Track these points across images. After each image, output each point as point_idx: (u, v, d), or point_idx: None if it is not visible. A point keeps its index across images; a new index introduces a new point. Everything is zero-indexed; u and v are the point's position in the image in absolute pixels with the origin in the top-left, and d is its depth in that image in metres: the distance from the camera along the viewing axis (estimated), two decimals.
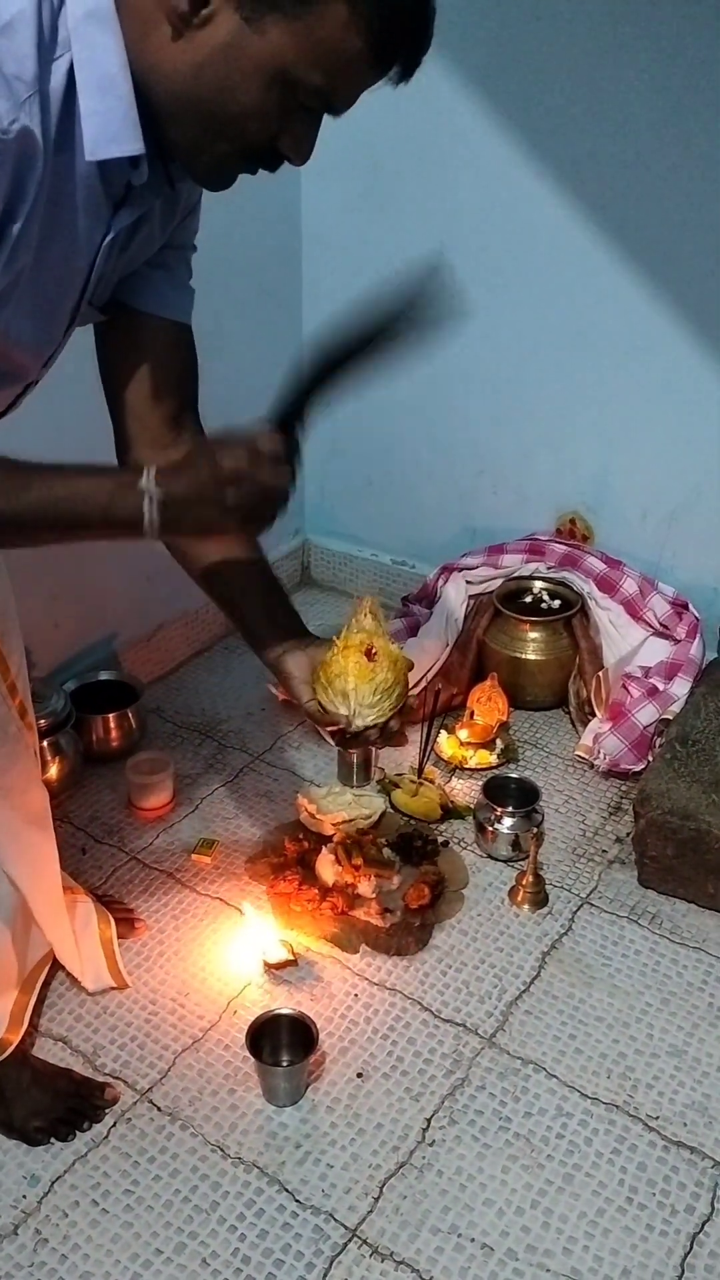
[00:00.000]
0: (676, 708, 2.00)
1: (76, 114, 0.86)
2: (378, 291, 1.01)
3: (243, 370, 2.46)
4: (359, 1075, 1.48)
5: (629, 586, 2.18)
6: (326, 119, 0.95)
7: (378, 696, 1.21)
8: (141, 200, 1.00)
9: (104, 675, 2.14)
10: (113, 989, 1.59)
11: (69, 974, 1.59)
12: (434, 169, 2.23)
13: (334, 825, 1.84)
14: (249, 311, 2.41)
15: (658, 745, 1.99)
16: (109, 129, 0.87)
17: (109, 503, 0.99)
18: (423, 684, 2.18)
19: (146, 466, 1.00)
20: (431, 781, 1.99)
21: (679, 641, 2.13)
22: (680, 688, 2.04)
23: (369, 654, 1.22)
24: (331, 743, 1.28)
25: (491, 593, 2.27)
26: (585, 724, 2.13)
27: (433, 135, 2.20)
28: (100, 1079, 1.47)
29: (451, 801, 1.97)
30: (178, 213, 1.13)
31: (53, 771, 1.90)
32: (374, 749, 1.99)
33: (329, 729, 1.24)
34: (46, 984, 1.56)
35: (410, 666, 1.27)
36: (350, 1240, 1.29)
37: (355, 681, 1.21)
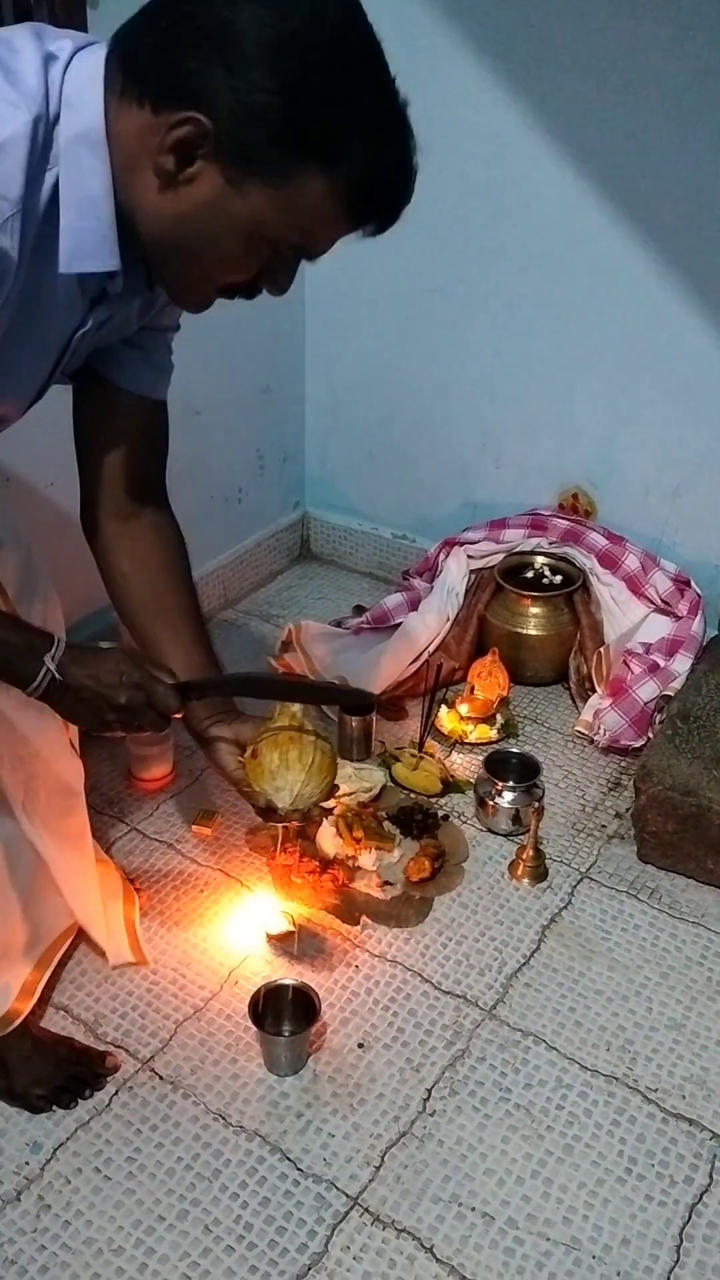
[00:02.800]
0: (677, 684, 2.01)
1: (58, 225, 0.90)
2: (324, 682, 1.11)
3: (244, 343, 2.45)
4: (360, 1045, 1.49)
5: (631, 562, 2.17)
6: None
7: (305, 780, 1.27)
8: (119, 301, 1.04)
9: (103, 645, 2.12)
10: (132, 964, 1.58)
11: (91, 945, 1.59)
12: (436, 141, 2.20)
13: (334, 798, 1.84)
14: None
15: (658, 721, 1.99)
16: (85, 246, 0.91)
17: (10, 657, 1.07)
18: (423, 658, 2.17)
19: (56, 642, 1.08)
20: (432, 755, 1.99)
21: (680, 618, 2.13)
22: (681, 664, 2.04)
23: (252, 754, 1.28)
24: (256, 813, 1.33)
25: (493, 567, 2.26)
26: (585, 700, 2.13)
27: (435, 106, 2.18)
28: (102, 1048, 1.47)
29: (452, 776, 1.97)
30: (156, 304, 1.16)
31: None
32: (371, 724, 2.01)
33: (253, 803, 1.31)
34: (64, 962, 1.56)
35: (334, 755, 1.32)
36: (352, 1209, 1.30)
37: (284, 765, 1.26)
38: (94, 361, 1.16)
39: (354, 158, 0.89)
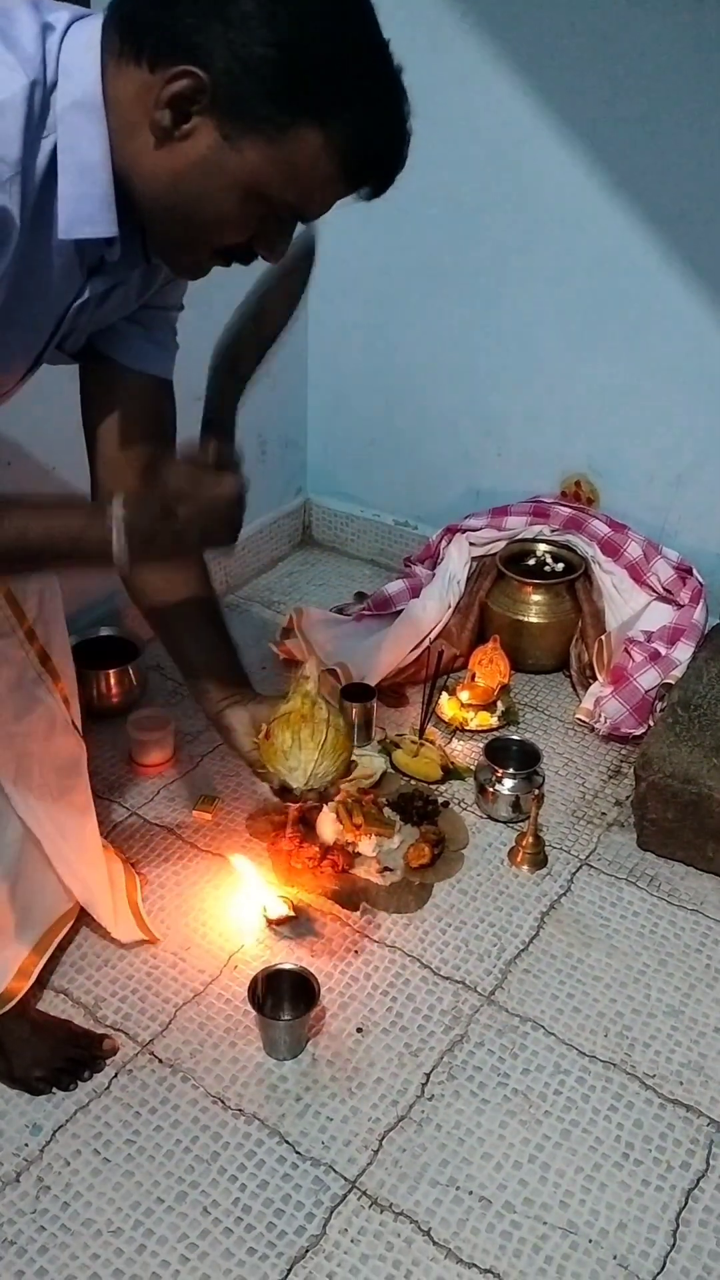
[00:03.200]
0: (678, 673, 2.01)
1: (56, 192, 0.90)
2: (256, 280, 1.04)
3: None
4: (359, 1030, 1.49)
5: (633, 550, 2.17)
6: None
7: (319, 759, 1.25)
8: (116, 272, 1.03)
9: (105, 631, 2.13)
10: (143, 942, 1.59)
11: (93, 927, 1.59)
12: (439, 126, 2.20)
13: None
14: (252, 271, 2.37)
15: (659, 710, 1.99)
16: (83, 211, 0.91)
17: (80, 535, 0.99)
18: (425, 645, 2.17)
19: (116, 495, 1.00)
20: (432, 742, 1.99)
21: (682, 606, 2.13)
22: (682, 653, 2.04)
23: (265, 735, 1.27)
24: (273, 794, 1.31)
25: (495, 555, 2.26)
26: (586, 687, 2.13)
27: (442, 88, 2.16)
28: (101, 1031, 1.47)
29: (452, 763, 1.97)
30: (157, 280, 1.15)
31: None
32: (372, 710, 2.01)
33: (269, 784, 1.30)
34: (64, 945, 1.57)
35: (351, 730, 1.30)
36: (350, 1191, 1.31)
37: (296, 745, 1.25)
38: (97, 340, 1.16)
39: (350, 115, 0.89)
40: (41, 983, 1.51)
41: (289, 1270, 1.23)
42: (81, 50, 0.88)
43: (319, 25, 0.85)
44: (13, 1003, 1.42)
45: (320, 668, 1.34)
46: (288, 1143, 1.36)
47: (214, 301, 1.10)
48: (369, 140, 0.91)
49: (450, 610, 2.22)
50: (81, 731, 1.46)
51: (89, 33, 0.89)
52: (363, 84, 0.89)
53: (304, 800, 1.29)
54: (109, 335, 1.16)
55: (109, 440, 1.23)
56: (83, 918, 1.58)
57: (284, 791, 1.28)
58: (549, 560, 2.26)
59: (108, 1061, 1.44)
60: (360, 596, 2.43)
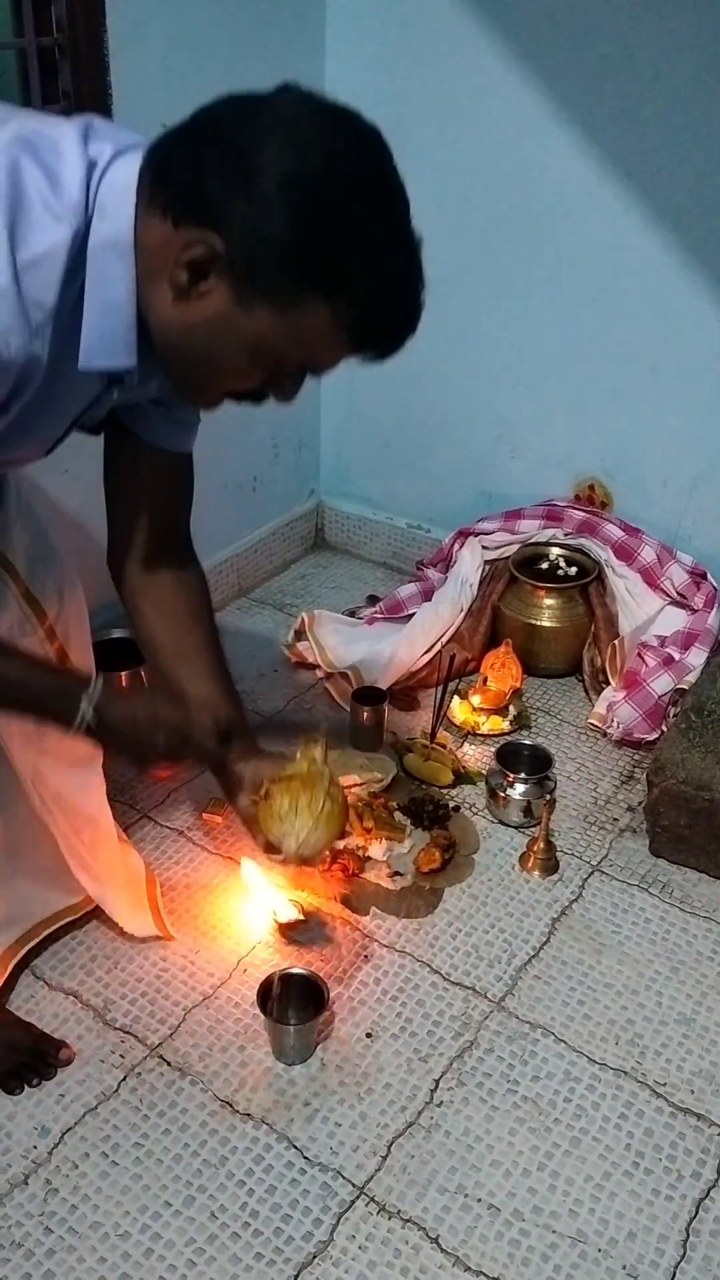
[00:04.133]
0: (692, 678, 1.99)
1: (80, 322, 0.94)
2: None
3: None
4: (368, 1035, 1.49)
5: (647, 554, 2.16)
6: None
7: (313, 828, 1.29)
8: (135, 389, 1.08)
9: (116, 633, 2.12)
10: (157, 938, 1.60)
11: (103, 930, 1.60)
12: (457, 126, 2.19)
13: (346, 789, 1.84)
14: None
15: (672, 715, 1.98)
16: (104, 344, 0.95)
17: (50, 702, 1.12)
18: (436, 649, 2.17)
19: (94, 682, 1.13)
20: (444, 746, 1.98)
21: (696, 611, 2.12)
22: (696, 658, 2.03)
23: (265, 795, 1.31)
24: (261, 849, 1.37)
25: (507, 558, 2.25)
26: (599, 692, 2.12)
27: (453, 92, 2.16)
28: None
29: (463, 767, 1.96)
30: None
31: None
32: (384, 714, 2.01)
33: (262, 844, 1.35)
34: (73, 947, 1.57)
35: (347, 805, 1.35)
36: (358, 1198, 1.30)
37: (293, 811, 1.29)
38: (120, 414, 1.19)
39: (358, 294, 0.92)
40: (10, 983, 1.51)
41: (296, 1276, 1.22)
42: (119, 191, 0.91)
43: (334, 210, 0.88)
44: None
45: (327, 741, 1.40)
46: (296, 1148, 1.35)
47: None
48: (376, 318, 0.95)
49: (462, 614, 2.21)
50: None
51: (127, 172, 0.92)
52: (374, 266, 0.92)
53: (287, 864, 1.34)
54: (131, 411, 1.20)
55: (128, 507, 1.28)
56: (93, 917, 1.58)
57: (270, 848, 1.33)
58: (562, 564, 2.25)
59: (116, 1065, 1.44)
60: (372, 599, 2.42)
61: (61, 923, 1.56)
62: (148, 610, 1.33)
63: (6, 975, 1.48)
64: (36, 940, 1.53)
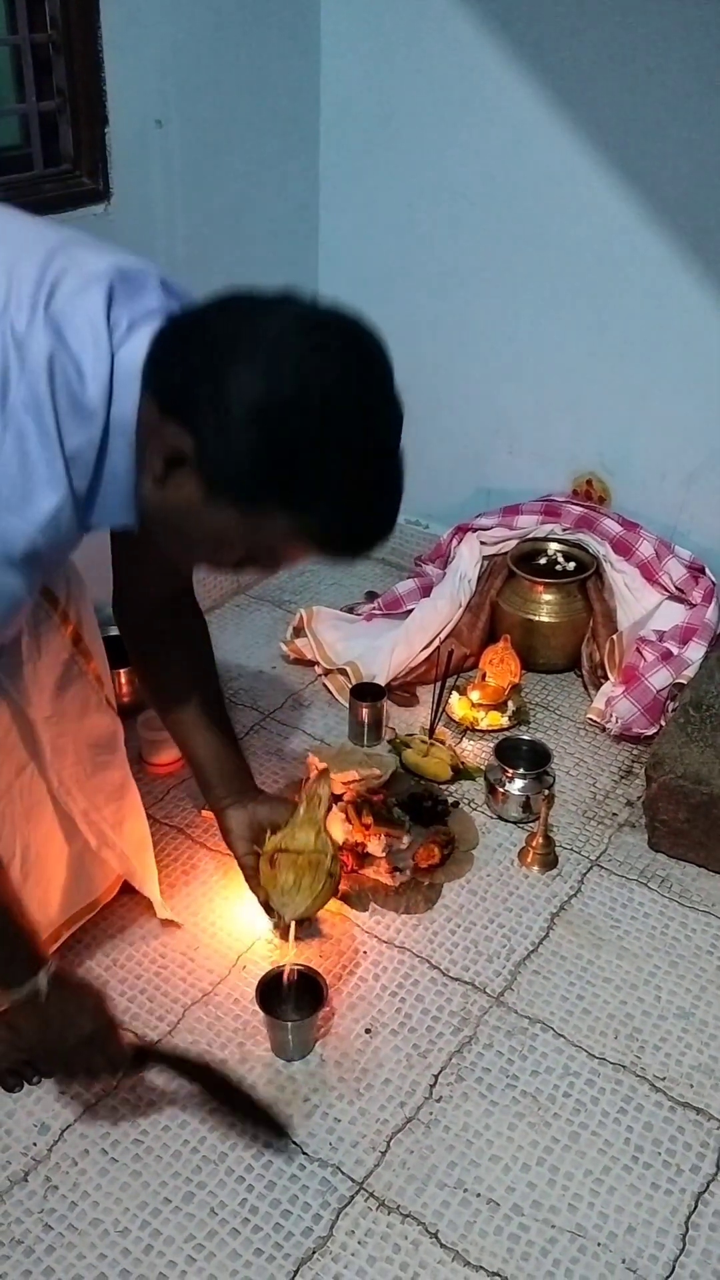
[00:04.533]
0: (691, 672, 1.99)
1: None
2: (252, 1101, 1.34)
3: None
4: (367, 1031, 1.49)
5: (645, 549, 2.16)
6: None
7: (311, 904, 1.41)
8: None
9: (115, 631, 2.12)
10: (173, 924, 1.62)
11: (103, 928, 1.60)
12: (454, 120, 2.19)
13: (344, 784, 1.84)
14: (266, 263, 2.37)
15: (671, 710, 1.98)
16: (109, 509, 1.01)
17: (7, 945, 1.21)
18: (435, 644, 2.17)
19: (50, 963, 1.22)
20: (442, 742, 1.98)
21: (694, 606, 2.12)
22: (695, 652, 2.03)
23: (271, 863, 1.40)
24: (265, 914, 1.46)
25: (505, 554, 2.25)
26: (598, 687, 2.12)
27: (450, 85, 2.16)
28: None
29: (462, 762, 1.96)
30: None
31: None
32: (383, 710, 2.01)
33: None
34: (71, 945, 1.57)
35: (337, 885, 1.44)
36: (357, 1193, 1.30)
37: (296, 888, 1.39)
38: None
39: (321, 512, 0.95)
40: None
41: (296, 1271, 1.22)
42: (128, 376, 0.95)
43: (300, 441, 0.91)
44: None
45: (329, 786, 1.49)
46: (295, 1144, 1.35)
47: None
48: (337, 535, 0.98)
49: (461, 609, 2.21)
50: (116, 709, 1.47)
51: (137, 354, 0.96)
52: (338, 490, 0.94)
53: (277, 925, 1.45)
54: None
55: (132, 561, 1.35)
56: (91, 914, 1.58)
57: (266, 907, 1.43)
58: (560, 559, 2.25)
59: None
60: (371, 596, 2.42)
61: (81, 922, 1.55)
62: (152, 661, 1.41)
63: None
64: (59, 943, 1.52)
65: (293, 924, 1.43)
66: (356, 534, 1.00)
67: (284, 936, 1.48)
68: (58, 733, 1.36)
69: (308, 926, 1.44)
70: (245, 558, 1.03)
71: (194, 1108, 1.39)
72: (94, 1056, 1.25)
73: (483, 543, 2.26)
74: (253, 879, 1.44)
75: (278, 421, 0.90)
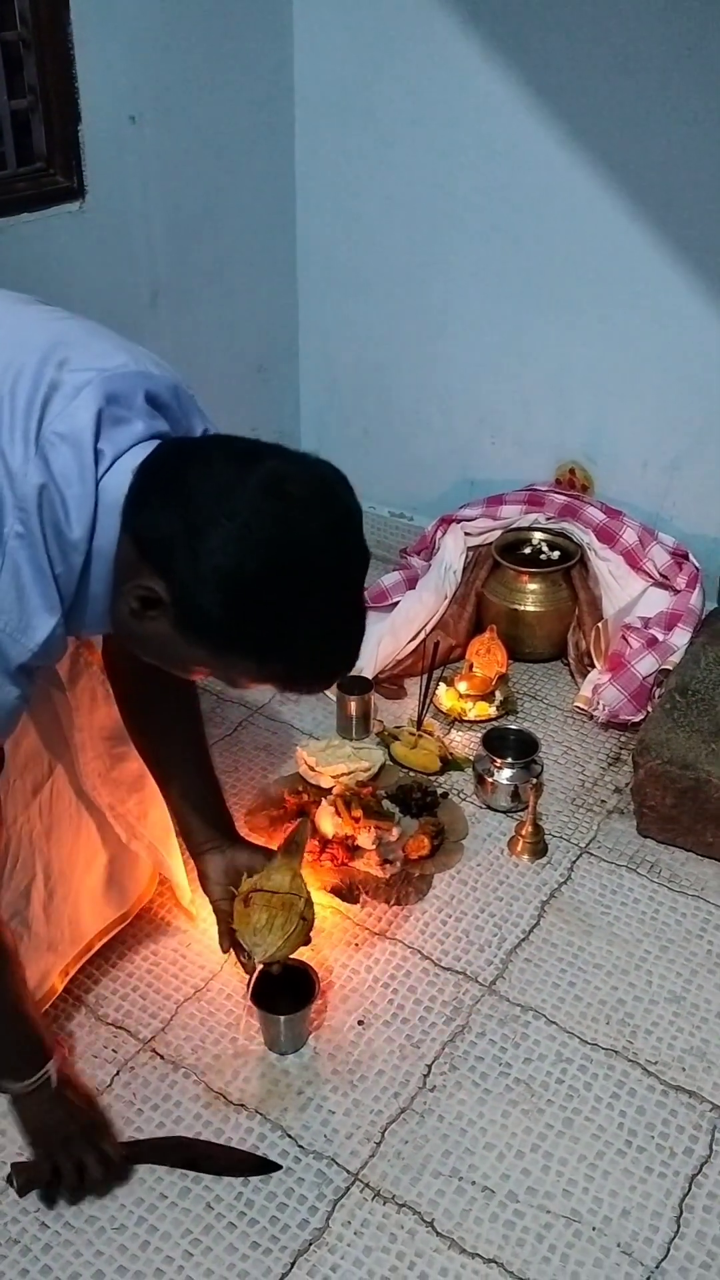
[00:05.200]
0: (676, 658, 2.00)
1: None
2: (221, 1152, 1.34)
3: (237, 322, 2.43)
4: (360, 1023, 1.49)
5: (629, 537, 2.16)
6: None
7: (281, 946, 1.38)
8: None
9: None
10: (189, 917, 1.64)
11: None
12: (431, 112, 2.19)
13: (333, 778, 1.84)
14: (244, 257, 2.37)
15: (657, 696, 1.98)
16: (90, 620, 1.06)
17: (21, 1043, 1.27)
18: (421, 636, 2.17)
19: (52, 1063, 1.28)
20: (430, 734, 1.99)
21: (679, 592, 2.12)
22: (680, 638, 2.04)
23: (246, 902, 1.38)
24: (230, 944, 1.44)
25: (490, 544, 2.25)
26: (584, 675, 2.13)
27: (431, 76, 2.15)
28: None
29: (450, 753, 1.97)
30: None
31: None
32: (370, 703, 2.01)
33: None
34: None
35: (310, 927, 1.42)
36: (352, 1184, 1.31)
37: (268, 928, 1.37)
38: None
39: (286, 662, 1.02)
40: None
41: (293, 1263, 1.23)
42: (110, 510, 0.99)
43: (271, 601, 0.96)
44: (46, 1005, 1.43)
45: (308, 832, 1.52)
46: (290, 1137, 1.36)
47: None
48: (300, 677, 1.06)
49: (447, 601, 2.21)
50: None
51: (118, 487, 0.99)
52: (303, 644, 1.00)
53: (249, 965, 1.42)
54: None
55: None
56: (123, 925, 1.58)
57: (238, 947, 1.42)
58: (545, 548, 2.25)
59: (109, 1060, 1.44)
60: None
61: (113, 934, 1.55)
62: (137, 704, 1.41)
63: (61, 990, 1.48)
64: (90, 954, 1.52)
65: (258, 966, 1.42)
66: (319, 675, 1.07)
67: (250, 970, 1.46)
68: (71, 725, 1.38)
69: (278, 970, 1.43)
70: (219, 678, 1.08)
71: (187, 1103, 1.39)
72: (87, 1150, 1.28)
73: (467, 533, 2.26)
74: (225, 924, 1.42)
75: (246, 590, 0.95)
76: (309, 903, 1.41)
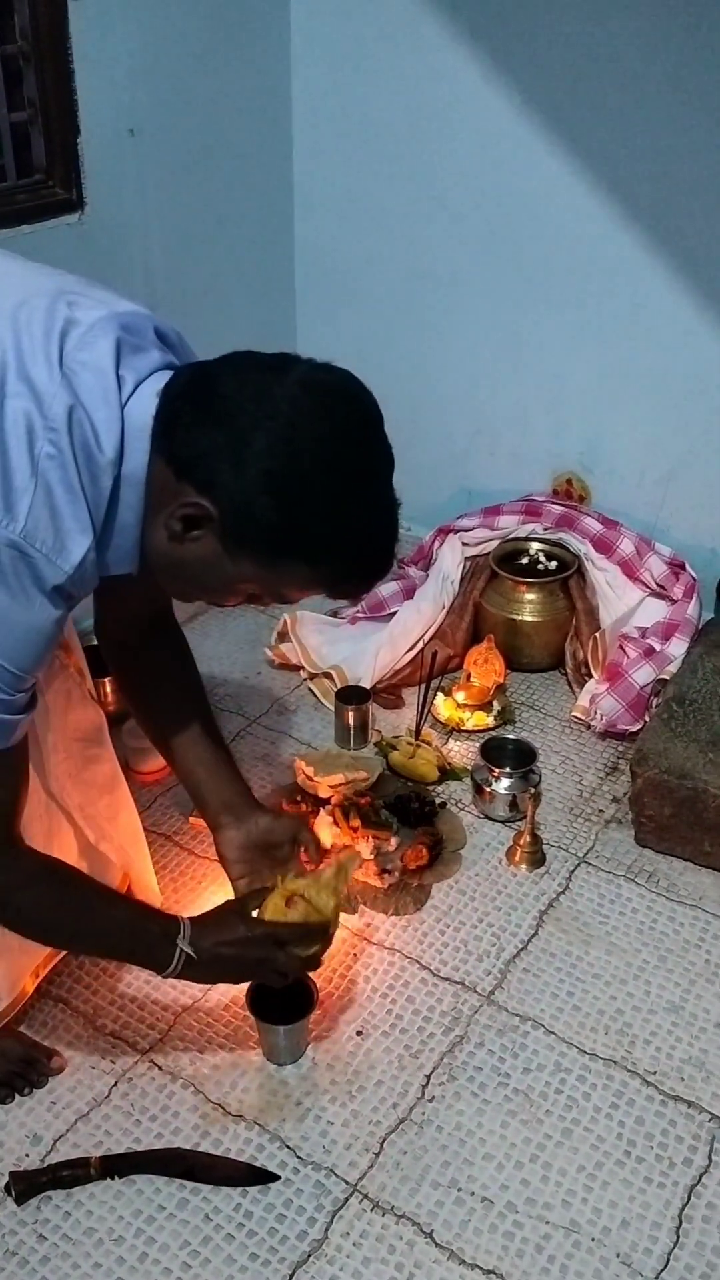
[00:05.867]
0: (673, 668, 2.00)
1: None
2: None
3: (235, 332, 2.44)
4: (359, 1033, 1.49)
5: (626, 547, 2.17)
6: None
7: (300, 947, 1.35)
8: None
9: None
10: None
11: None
12: (427, 124, 2.20)
13: (331, 788, 1.84)
14: (242, 269, 2.38)
15: (654, 705, 1.98)
16: (114, 558, 1.06)
17: (145, 952, 1.26)
18: (419, 646, 2.17)
19: (184, 926, 1.26)
20: (428, 743, 1.99)
21: (676, 602, 2.13)
22: (677, 648, 2.04)
23: (289, 902, 1.35)
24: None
25: (488, 554, 2.26)
26: (582, 685, 2.13)
27: (426, 88, 2.17)
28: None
29: (449, 763, 1.97)
30: None
31: None
32: (368, 713, 2.02)
33: None
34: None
35: (334, 920, 1.39)
36: (351, 1195, 1.30)
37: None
38: None
39: (337, 561, 1.03)
40: (39, 990, 1.51)
41: (291, 1275, 1.22)
42: (137, 432, 0.99)
43: (319, 503, 0.98)
44: (16, 1011, 1.42)
45: (355, 867, 1.52)
46: (289, 1147, 1.35)
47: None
48: (352, 576, 1.07)
49: (444, 611, 2.21)
50: (99, 701, 1.47)
51: (145, 410, 1.00)
52: (352, 538, 1.02)
53: None
54: None
55: (113, 590, 1.31)
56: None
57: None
58: (542, 559, 2.26)
59: (107, 1070, 1.44)
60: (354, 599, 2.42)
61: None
62: (138, 682, 1.44)
63: (32, 994, 1.48)
64: (62, 955, 1.52)
65: None
66: (365, 578, 1.08)
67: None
68: (46, 728, 1.37)
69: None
70: (254, 596, 1.10)
71: (186, 1114, 1.39)
72: (273, 959, 1.31)
73: (464, 544, 2.27)
74: (239, 889, 1.42)
75: (296, 488, 0.97)
76: (332, 936, 1.40)
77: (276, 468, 0.96)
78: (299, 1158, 1.34)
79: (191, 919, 1.29)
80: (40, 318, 0.99)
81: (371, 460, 1.03)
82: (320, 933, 1.35)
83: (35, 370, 0.97)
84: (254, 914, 1.35)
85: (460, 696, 2.10)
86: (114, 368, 0.99)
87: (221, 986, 1.55)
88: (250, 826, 1.43)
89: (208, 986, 1.55)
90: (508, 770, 1.86)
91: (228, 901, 1.38)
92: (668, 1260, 1.24)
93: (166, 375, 1.02)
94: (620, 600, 2.16)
